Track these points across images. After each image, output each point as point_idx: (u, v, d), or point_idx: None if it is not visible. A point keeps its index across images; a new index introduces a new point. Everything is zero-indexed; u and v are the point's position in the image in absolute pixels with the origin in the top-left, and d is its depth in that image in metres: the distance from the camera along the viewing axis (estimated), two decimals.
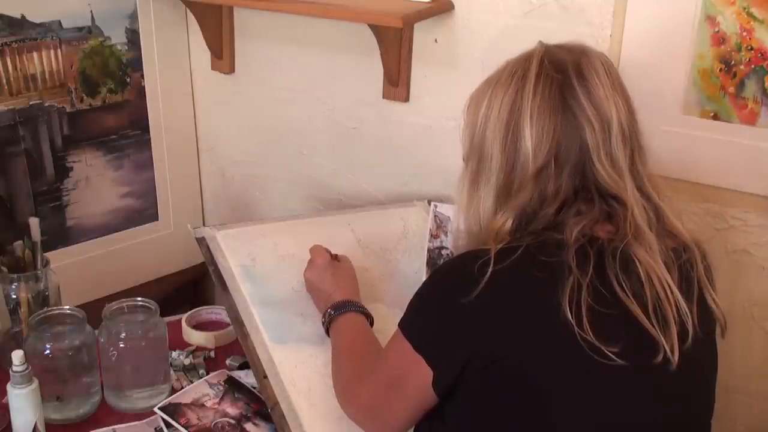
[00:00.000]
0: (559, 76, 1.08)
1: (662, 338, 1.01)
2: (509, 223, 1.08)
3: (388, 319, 1.38)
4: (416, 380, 1.08)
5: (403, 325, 1.12)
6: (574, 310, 0.98)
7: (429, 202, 1.67)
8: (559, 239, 1.04)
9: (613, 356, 0.97)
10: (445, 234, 1.44)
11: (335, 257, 1.46)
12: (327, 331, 1.34)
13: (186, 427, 1.35)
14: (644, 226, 1.06)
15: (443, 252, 1.43)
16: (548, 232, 1.06)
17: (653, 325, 1.01)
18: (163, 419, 1.37)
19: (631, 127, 1.10)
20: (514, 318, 1.01)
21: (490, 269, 1.01)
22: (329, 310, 1.34)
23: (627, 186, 1.08)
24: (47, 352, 1.39)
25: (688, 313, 1.04)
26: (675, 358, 1.01)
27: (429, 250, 1.44)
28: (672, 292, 1.03)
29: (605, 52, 1.22)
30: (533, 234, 1.06)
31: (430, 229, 1.44)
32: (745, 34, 1.34)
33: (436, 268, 1.23)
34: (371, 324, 1.34)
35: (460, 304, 1.02)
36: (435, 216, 1.46)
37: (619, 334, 0.99)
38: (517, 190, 1.09)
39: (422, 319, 1.11)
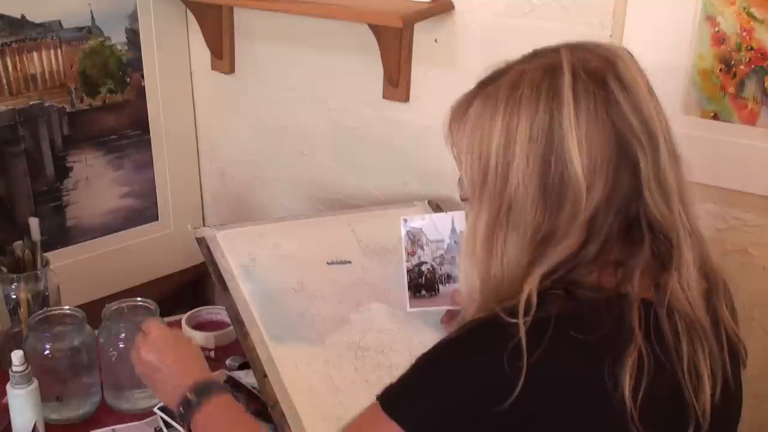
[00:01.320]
0: (601, 91, 0.88)
1: (695, 402, 0.90)
2: (538, 281, 0.88)
3: (388, 319, 1.39)
4: None
5: (405, 418, 0.89)
6: (630, 398, 0.84)
7: (429, 203, 1.67)
8: (594, 300, 0.88)
9: None
10: (421, 248, 1.40)
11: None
12: (188, 417, 1.14)
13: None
14: (693, 268, 0.91)
15: (423, 268, 1.39)
16: (580, 288, 0.88)
17: (688, 389, 0.89)
18: (163, 419, 1.37)
19: (673, 138, 0.93)
20: (553, 421, 0.87)
21: (524, 366, 0.83)
22: (190, 396, 1.14)
23: (677, 217, 0.91)
24: (47, 352, 1.39)
25: (720, 369, 0.93)
26: (707, 423, 0.90)
27: (408, 271, 1.39)
28: (709, 346, 0.92)
29: None
30: (562, 292, 0.88)
31: (405, 248, 1.40)
32: (745, 34, 1.34)
33: (446, 350, 0.92)
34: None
35: (494, 414, 0.84)
36: (407, 232, 1.41)
37: (659, 406, 0.88)
38: (561, 238, 0.89)
39: (441, 424, 0.89)
